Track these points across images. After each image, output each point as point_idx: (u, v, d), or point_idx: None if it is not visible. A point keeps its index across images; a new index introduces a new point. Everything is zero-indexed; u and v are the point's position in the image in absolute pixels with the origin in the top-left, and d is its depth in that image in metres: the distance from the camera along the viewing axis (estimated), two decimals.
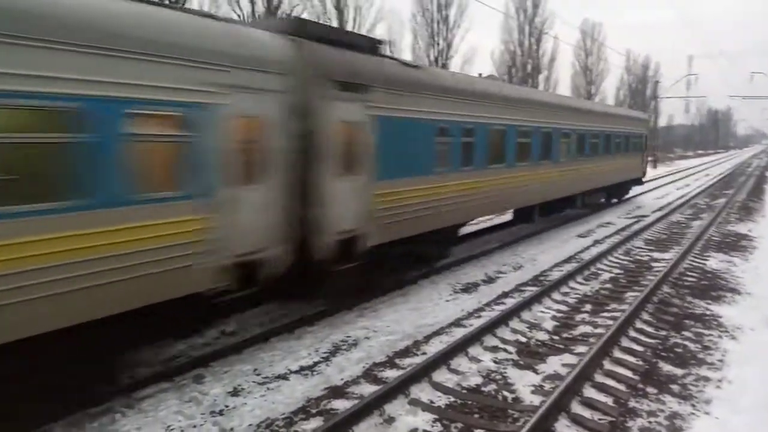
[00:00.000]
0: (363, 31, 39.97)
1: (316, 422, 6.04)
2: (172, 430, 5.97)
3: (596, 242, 16.86)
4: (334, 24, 37.21)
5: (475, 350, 8.09)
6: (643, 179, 30.40)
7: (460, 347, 7.96)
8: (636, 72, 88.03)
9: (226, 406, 6.46)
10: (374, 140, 9.50)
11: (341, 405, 6.42)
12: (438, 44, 47.16)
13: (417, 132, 10.82)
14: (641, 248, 16.05)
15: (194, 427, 6.04)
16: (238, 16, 33.66)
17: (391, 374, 7.26)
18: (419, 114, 10.84)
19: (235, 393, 6.78)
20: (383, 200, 9.82)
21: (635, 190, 29.62)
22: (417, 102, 10.76)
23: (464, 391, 6.89)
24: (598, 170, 21.76)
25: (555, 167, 17.41)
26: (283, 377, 7.23)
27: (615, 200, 26.76)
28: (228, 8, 33.54)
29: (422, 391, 6.79)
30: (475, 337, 8.34)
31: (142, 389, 6.79)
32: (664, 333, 9.05)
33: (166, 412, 6.33)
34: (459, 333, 8.71)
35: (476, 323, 9.13)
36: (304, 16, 35.64)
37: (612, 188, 25.14)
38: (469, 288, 11.61)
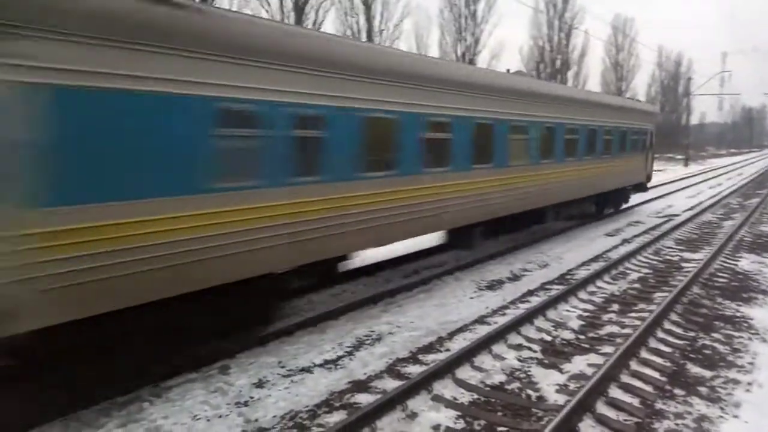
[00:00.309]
0: (390, 27, 39.87)
1: (340, 416, 6.09)
2: (198, 419, 6.07)
3: (625, 241, 16.62)
4: (361, 20, 37.20)
5: (499, 348, 8.05)
6: (648, 184, 24.84)
7: (484, 344, 7.93)
8: (668, 68, 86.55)
9: (251, 398, 6.55)
10: (33, 130, 5.16)
11: (364, 399, 6.45)
12: (465, 40, 46.92)
13: (166, 117, 6.21)
14: (671, 248, 15.77)
15: (220, 417, 6.14)
16: (266, 12, 33.92)
17: (414, 370, 7.27)
18: (177, 86, 6.25)
19: (259, 385, 6.87)
20: (63, 244, 5.39)
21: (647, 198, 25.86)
22: (173, 65, 6.18)
23: (488, 389, 6.87)
24: (577, 176, 16.57)
25: (501, 174, 12.64)
26: (307, 370, 7.29)
27: (610, 210, 21.98)
28: (257, 4, 33.85)
29: (445, 388, 6.79)
30: (499, 335, 8.30)
31: (169, 379, 6.92)
32: (692, 334, 8.89)
33: (193, 401, 6.44)
34: (483, 330, 8.68)
35: (501, 321, 9.08)
36: (332, 11, 35.68)
37: (604, 197, 20.14)
38: (493, 285, 11.55)
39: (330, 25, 37.39)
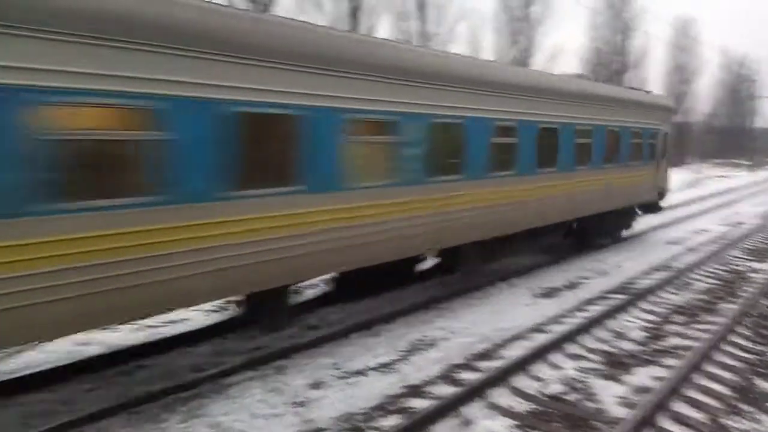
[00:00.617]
0: (444, 31, 39.78)
1: (394, 420, 6.09)
2: (256, 417, 6.18)
3: (689, 250, 15.98)
4: (414, 24, 37.18)
5: (556, 357, 7.90)
6: (661, 202, 18.74)
7: (540, 353, 7.80)
8: (733, 70, 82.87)
9: (307, 398, 6.62)
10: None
11: (418, 404, 6.43)
12: (520, 42, 46.30)
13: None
14: (739, 257, 15.09)
15: (277, 415, 6.23)
16: (323, 18, 34.36)
17: (468, 377, 7.20)
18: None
19: (315, 386, 6.94)
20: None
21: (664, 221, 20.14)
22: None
23: (545, 399, 6.73)
24: (519, 198, 11.06)
25: (337, 202, 7.60)
26: (362, 373, 7.33)
27: (605, 241, 16.25)
28: (314, 10, 34.37)
29: (501, 396, 6.71)
30: (556, 344, 8.15)
31: (228, 377, 7.09)
32: (762, 348, 8.49)
33: (251, 399, 6.56)
34: (539, 339, 8.52)
35: (557, 329, 8.91)
36: (386, 16, 35.95)
37: (586, 224, 14.66)
38: (549, 293, 11.33)
39: (383, 30, 37.58)
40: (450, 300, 10.54)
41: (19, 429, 5.75)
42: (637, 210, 17.52)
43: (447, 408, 6.19)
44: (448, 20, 39.83)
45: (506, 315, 9.77)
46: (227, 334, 8.43)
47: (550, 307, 10.35)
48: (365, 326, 8.94)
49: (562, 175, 12.41)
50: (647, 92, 18.51)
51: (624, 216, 16.68)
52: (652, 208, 18.27)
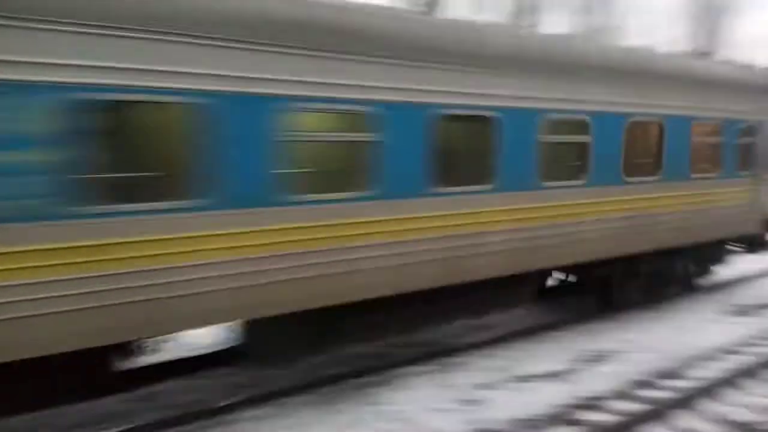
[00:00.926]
0: (618, 23, 37.49)
1: (567, 431, 5.88)
2: (424, 410, 6.29)
3: None
4: (585, 19, 35.48)
5: (747, 383, 7.11)
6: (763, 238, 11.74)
7: (730, 377, 7.08)
8: None
9: (475, 398, 6.62)
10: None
11: (592, 417, 6.13)
12: (709, 32, 42.28)
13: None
14: None
15: (444, 411, 6.30)
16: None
17: (647, 394, 6.71)
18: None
19: (483, 386, 6.92)
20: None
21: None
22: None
23: (735, 427, 6.08)
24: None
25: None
26: (531, 379, 7.17)
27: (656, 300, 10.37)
28: (479, 8, 34.19)
29: (685, 420, 6.18)
30: (749, 369, 7.34)
31: (399, 368, 7.33)
32: None
33: (417, 393, 6.71)
34: (729, 361, 7.73)
35: (751, 352, 8.02)
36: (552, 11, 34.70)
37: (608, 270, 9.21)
38: (742, 311, 10.19)
39: (554, 25, 36.35)
40: (628, 311, 9.90)
41: (215, 399, 6.43)
42: (728, 246, 11.36)
43: (625, 426, 5.85)
44: (622, 12, 37.52)
45: (692, 332, 8.95)
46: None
47: (742, 327, 9.32)
48: (535, 332, 8.75)
49: (555, 190, 7.75)
50: (733, 62, 11.79)
51: (695, 258, 10.71)
52: (753, 243, 11.65)
